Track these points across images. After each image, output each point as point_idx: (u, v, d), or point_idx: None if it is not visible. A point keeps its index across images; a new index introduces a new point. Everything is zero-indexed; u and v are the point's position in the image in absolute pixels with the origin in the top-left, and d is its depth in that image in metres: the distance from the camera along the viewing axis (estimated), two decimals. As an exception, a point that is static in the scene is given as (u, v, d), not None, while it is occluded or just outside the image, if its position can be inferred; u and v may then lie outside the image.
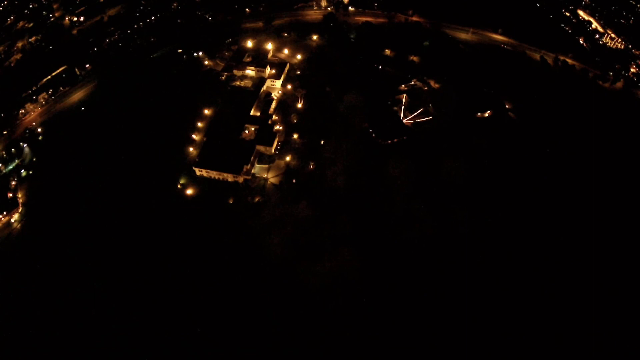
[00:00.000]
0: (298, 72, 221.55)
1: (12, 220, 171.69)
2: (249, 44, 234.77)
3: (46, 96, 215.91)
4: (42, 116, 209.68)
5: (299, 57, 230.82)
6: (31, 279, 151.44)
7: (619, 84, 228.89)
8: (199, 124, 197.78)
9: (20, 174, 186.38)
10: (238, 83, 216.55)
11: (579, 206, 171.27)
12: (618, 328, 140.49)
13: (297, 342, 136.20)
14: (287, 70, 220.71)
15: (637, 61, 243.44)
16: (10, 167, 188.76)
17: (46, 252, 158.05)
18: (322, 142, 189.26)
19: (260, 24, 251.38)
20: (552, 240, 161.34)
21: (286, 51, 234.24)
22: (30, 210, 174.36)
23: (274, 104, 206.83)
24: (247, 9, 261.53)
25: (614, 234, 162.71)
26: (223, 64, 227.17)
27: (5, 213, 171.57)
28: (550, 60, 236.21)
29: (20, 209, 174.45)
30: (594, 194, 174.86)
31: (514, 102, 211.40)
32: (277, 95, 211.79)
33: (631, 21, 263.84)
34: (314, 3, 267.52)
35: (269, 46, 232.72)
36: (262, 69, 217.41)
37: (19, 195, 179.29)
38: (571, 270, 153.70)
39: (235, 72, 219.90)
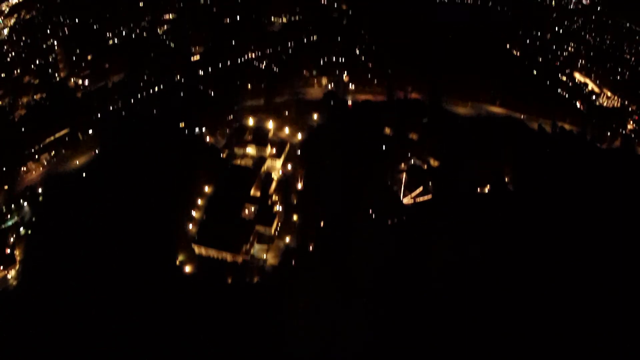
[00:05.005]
0: (298, 152, 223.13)
1: (9, 276, 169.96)
2: (250, 121, 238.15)
3: (48, 157, 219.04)
4: (44, 176, 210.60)
5: (299, 136, 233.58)
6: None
7: (617, 142, 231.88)
8: (199, 201, 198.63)
9: (19, 231, 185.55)
10: (239, 161, 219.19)
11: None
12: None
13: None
14: (288, 150, 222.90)
15: (634, 117, 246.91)
16: (9, 223, 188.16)
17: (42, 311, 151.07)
18: (322, 224, 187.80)
19: (262, 101, 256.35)
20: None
21: (287, 129, 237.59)
22: (27, 268, 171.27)
23: (274, 184, 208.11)
24: (248, 85, 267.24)
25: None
26: (224, 141, 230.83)
27: (1, 268, 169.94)
28: (548, 128, 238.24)
29: (17, 267, 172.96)
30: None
31: (513, 173, 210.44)
32: (278, 175, 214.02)
33: (626, 76, 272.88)
34: (315, 81, 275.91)
35: (270, 124, 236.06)
36: (263, 148, 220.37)
37: (17, 252, 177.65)
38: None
39: (236, 150, 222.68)
